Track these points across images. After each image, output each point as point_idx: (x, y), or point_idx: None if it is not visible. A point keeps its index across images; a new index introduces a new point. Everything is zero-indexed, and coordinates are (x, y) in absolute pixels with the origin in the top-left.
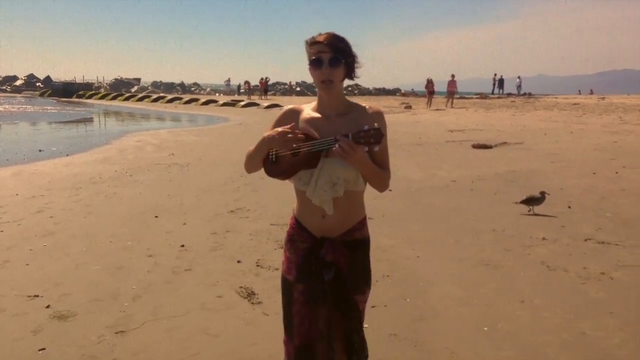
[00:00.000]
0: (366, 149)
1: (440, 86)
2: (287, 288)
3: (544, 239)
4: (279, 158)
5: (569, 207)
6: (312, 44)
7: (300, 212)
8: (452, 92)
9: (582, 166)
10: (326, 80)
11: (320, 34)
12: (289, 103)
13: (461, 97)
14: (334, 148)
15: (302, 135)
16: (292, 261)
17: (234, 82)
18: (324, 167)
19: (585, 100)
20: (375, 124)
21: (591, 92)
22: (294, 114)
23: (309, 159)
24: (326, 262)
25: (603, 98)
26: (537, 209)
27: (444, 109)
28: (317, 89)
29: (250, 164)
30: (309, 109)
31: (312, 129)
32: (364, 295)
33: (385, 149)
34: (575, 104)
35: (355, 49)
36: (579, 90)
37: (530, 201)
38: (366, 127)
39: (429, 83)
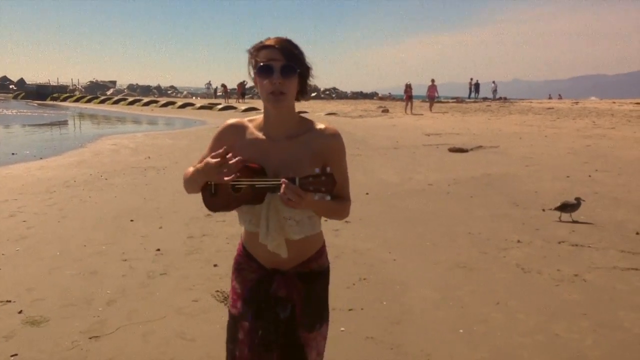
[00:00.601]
0: (316, 197)
1: (419, 90)
2: (231, 324)
3: (518, 241)
4: (218, 190)
5: (543, 210)
6: (260, 48)
7: (247, 239)
8: (432, 96)
9: (556, 170)
10: (276, 91)
11: (269, 38)
12: None
13: (438, 102)
14: (278, 193)
15: (240, 165)
16: (238, 293)
17: (213, 86)
18: (271, 204)
19: (559, 105)
20: (328, 168)
21: (560, 97)
22: (236, 131)
23: (252, 195)
24: (279, 298)
25: (577, 102)
26: (573, 215)
27: (421, 114)
28: (263, 104)
29: (189, 188)
30: (253, 126)
31: (255, 153)
32: (320, 331)
33: (344, 175)
34: (549, 108)
35: (309, 61)
36: (550, 95)
37: (565, 207)
38: (317, 171)
39: (408, 88)
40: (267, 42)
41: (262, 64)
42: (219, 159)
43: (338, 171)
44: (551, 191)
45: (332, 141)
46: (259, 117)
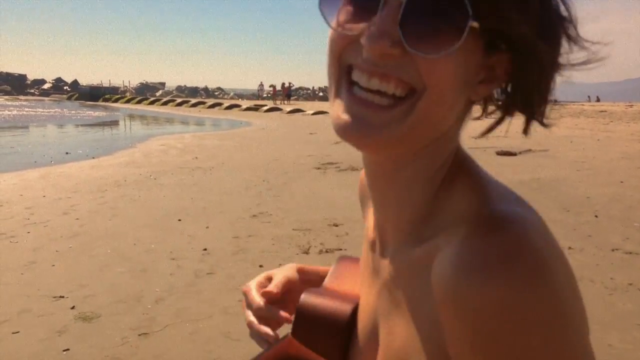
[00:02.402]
0: None
1: None
2: None
3: (570, 248)
4: None
5: (596, 216)
6: None
7: None
8: None
9: (609, 174)
10: (380, 63)
11: None
12: (311, 108)
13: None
14: None
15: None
16: None
17: (266, 88)
18: None
19: (612, 108)
20: None
21: (597, 100)
22: (365, 198)
23: None
24: None
25: (631, 105)
26: None
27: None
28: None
29: None
30: None
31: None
32: None
33: None
34: (602, 111)
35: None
36: (588, 97)
37: None
38: None
39: None
40: None
41: None
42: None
43: None
44: (604, 196)
45: (477, 291)
46: None
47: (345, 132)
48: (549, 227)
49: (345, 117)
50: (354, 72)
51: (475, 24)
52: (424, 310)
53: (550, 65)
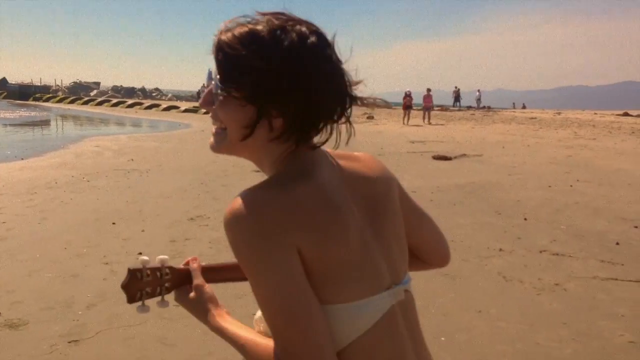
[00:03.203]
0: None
1: (397, 98)
2: None
3: (500, 250)
4: None
5: (525, 219)
6: None
7: None
8: (428, 107)
9: (538, 179)
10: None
11: None
12: None
13: (415, 109)
14: None
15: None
16: None
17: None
18: None
19: (542, 115)
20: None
21: (523, 107)
22: None
23: None
24: None
25: (559, 113)
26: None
27: (420, 125)
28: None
29: None
30: None
31: None
32: None
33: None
34: (532, 118)
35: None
36: (513, 104)
37: None
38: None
39: (406, 96)
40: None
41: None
42: None
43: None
44: (533, 200)
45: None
46: None
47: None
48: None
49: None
50: None
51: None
52: None
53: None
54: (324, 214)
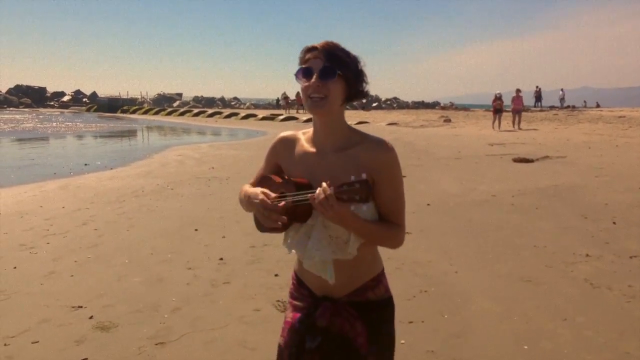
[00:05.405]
0: (352, 206)
1: (481, 100)
2: (278, 355)
3: (587, 255)
4: None
5: (614, 222)
6: (304, 52)
7: (298, 265)
8: (518, 109)
9: (628, 181)
10: (315, 95)
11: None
12: None
13: (505, 111)
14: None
15: (285, 210)
16: (287, 321)
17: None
18: (317, 222)
19: (631, 113)
20: (364, 175)
21: (597, 105)
22: (287, 145)
23: (298, 212)
24: (315, 327)
25: None
26: None
27: (512, 130)
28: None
29: (244, 208)
30: (304, 139)
31: (303, 168)
32: None
33: (396, 195)
34: (621, 116)
35: (365, 68)
36: (584, 102)
37: None
38: (352, 178)
39: (496, 99)
40: (311, 45)
41: (302, 66)
42: (263, 201)
43: (389, 189)
44: (622, 203)
45: (383, 155)
46: (311, 129)
47: (310, 108)
48: None
49: (309, 102)
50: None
51: (339, 72)
52: (354, 167)
53: (354, 88)
54: None
